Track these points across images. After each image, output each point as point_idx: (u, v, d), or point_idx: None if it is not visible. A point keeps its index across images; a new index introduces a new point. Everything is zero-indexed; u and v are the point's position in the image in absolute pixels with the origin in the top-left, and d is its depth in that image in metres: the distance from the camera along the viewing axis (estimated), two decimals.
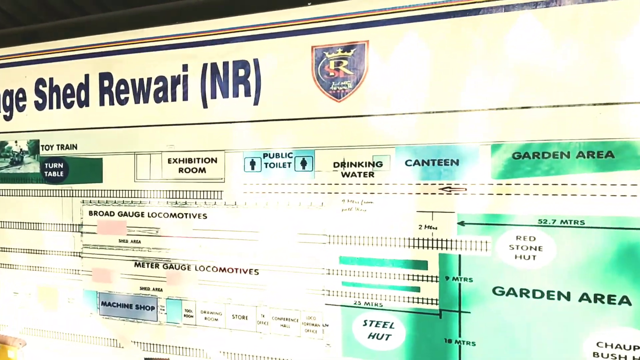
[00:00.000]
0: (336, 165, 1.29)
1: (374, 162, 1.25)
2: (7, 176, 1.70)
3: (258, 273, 1.38)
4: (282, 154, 1.34)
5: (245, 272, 1.39)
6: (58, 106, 1.62)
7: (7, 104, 1.69)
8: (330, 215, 1.29)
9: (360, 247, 1.27)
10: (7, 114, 1.69)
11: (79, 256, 1.60)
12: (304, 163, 1.32)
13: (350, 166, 1.27)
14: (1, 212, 1.71)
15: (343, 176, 1.28)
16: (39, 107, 1.64)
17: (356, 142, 1.27)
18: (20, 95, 1.67)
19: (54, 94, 1.62)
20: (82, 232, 1.59)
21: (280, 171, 1.34)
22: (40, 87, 1.64)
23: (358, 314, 1.28)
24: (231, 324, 1.41)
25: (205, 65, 1.42)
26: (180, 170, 1.45)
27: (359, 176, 1.27)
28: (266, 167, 1.36)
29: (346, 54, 1.27)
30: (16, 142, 1.68)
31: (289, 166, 1.33)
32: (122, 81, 1.52)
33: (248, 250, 1.38)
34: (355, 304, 1.29)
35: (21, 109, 1.67)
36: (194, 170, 1.44)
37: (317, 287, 1.32)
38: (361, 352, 1.28)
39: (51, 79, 1.62)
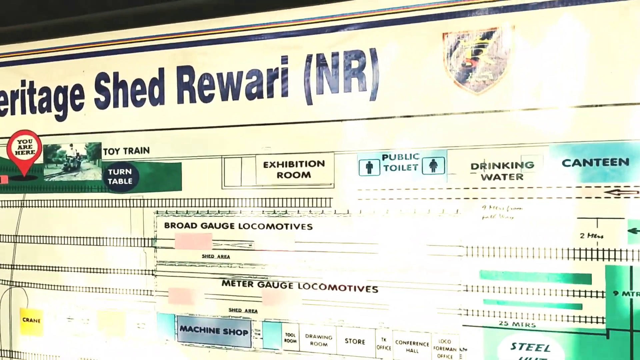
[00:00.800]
0: (475, 167, 1.13)
1: (522, 163, 1.10)
2: (59, 184, 1.50)
3: (377, 291, 1.21)
4: (406, 155, 1.18)
5: (361, 290, 1.22)
6: (125, 104, 1.43)
7: (60, 102, 1.49)
8: (468, 224, 1.14)
9: (505, 260, 1.12)
10: (60, 113, 1.49)
11: (152, 274, 1.40)
12: (433, 165, 1.16)
13: (493, 168, 1.12)
14: (52, 226, 1.51)
15: (484, 179, 1.13)
16: (101, 105, 1.45)
17: (500, 141, 1.12)
18: (77, 92, 1.47)
19: (120, 91, 1.43)
20: (155, 247, 1.40)
21: (403, 174, 1.18)
22: (102, 82, 1.45)
23: (505, 336, 1.13)
24: (344, 350, 1.24)
25: (309, 57, 1.26)
26: (279, 175, 1.28)
27: (504, 179, 1.12)
28: (386, 170, 1.20)
29: (486, 40, 1.13)
30: (71, 145, 1.49)
31: (415, 169, 1.17)
32: (206, 75, 1.34)
33: (364, 265, 1.22)
34: (500, 324, 1.13)
35: (78, 108, 1.47)
36: (296, 174, 1.27)
37: (452, 306, 1.16)
38: None
39: (116, 74, 1.43)
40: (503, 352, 1.13)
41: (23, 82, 1.53)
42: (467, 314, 1.15)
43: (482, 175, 1.13)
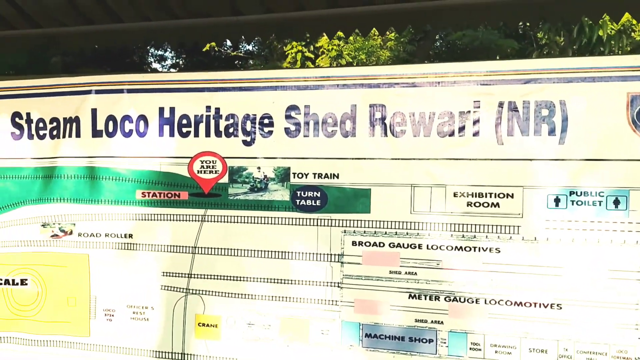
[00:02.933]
0: None
1: None
2: (245, 203, 1.66)
3: (561, 308, 1.41)
4: (591, 192, 1.39)
5: (545, 307, 1.42)
6: (315, 134, 1.60)
7: (248, 129, 1.66)
8: None
9: None
10: (248, 139, 1.66)
11: (338, 287, 1.58)
12: (616, 202, 1.37)
13: None
14: (235, 240, 1.66)
15: None
16: (290, 134, 1.62)
17: None
18: (266, 121, 1.64)
19: (311, 122, 1.60)
20: (342, 262, 1.58)
21: (589, 209, 1.39)
22: (293, 113, 1.62)
23: None
24: (527, 358, 1.43)
25: (501, 103, 1.46)
26: (469, 204, 1.48)
27: None
28: (572, 204, 1.40)
29: None
30: (259, 168, 1.65)
31: (600, 204, 1.39)
32: (399, 113, 1.53)
33: (550, 286, 1.42)
34: None
35: (266, 135, 1.64)
36: (485, 204, 1.47)
37: (629, 322, 1.37)
38: None
39: (307, 107, 1.61)
40: None
41: (208, 108, 1.69)
42: None
43: None
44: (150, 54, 11.83)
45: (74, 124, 1.75)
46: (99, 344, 1.76)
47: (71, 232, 1.77)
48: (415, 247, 1.51)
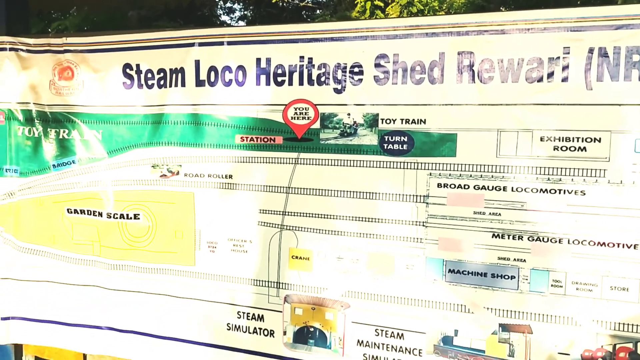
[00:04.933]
0: None
1: None
2: (335, 147, 1.78)
3: None
4: None
5: (629, 247, 1.47)
6: (403, 82, 1.68)
7: (339, 77, 1.76)
8: None
9: None
10: (338, 87, 1.76)
11: (423, 225, 1.68)
12: None
13: None
14: (327, 181, 1.80)
15: None
16: (379, 82, 1.71)
17: None
18: (356, 70, 1.73)
19: (399, 70, 1.68)
20: (427, 203, 1.68)
21: None
22: (383, 62, 1.70)
23: None
24: (608, 295, 1.50)
25: (591, 49, 1.48)
26: (555, 148, 1.53)
27: None
28: None
29: None
30: (349, 114, 1.76)
31: None
32: (487, 60, 1.58)
33: (634, 227, 1.46)
34: None
35: (356, 83, 1.73)
36: (572, 148, 1.51)
37: None
38: None
39: (396, 55, 1.68)
40: None
41: (301, 58, 1.80)
42: None
43: None
44: (219, 7, 12.03)
45: (179, 75, 1.91)
46: (203, 272, 1.97)
47: (178, 173, 1.97)
48: (500, 189, 1.59)
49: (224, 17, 12.55)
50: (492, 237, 1.61)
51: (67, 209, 2.11)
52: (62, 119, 2.09)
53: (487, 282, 1.62)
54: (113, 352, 2.10)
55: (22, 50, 2.11)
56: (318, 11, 10.14)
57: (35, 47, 2.11)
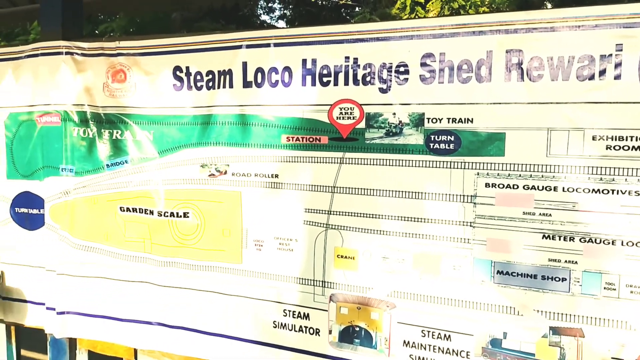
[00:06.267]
0: None
1: None
2: (380, 146, 1.78)
3: None
4: None
5: None
6: (450, 81, 1.67)
7: (384, 77, 1.76)
8: None
9: None
10: (384, 86, 1.76)
11: (470, 226, 1.67)
12: None
13: None
14: (372, 180, 1.80)
15: None
16: (425, 81, 1.70)
17: None
18: (402, 69, 1.73)
19: (446, 69, 1.67)
20: (474, 203, 1.66)
21: None
22: (429, 61, 1.69)
23: None
24: None
25: None
26: (608, 147, 1.49)
27: None
28: None
29: None
30: (394, 114, 1.76)
31: None
32: (536, 58, 1.55)
33: None
34: None
35: (401, 83, 1.73)
36: (626, 147, 1.47)
37: None
38: None
39: (442, 54, 1.67)
40: None
41: (347, 58, 1.81)
42: None
43: None
44: (259, 6, 12.17)
45: (227, 76, 1.95)
46: (250, 270, 2.01)
47: (226, 172, 2.01)
48: (550, 189, 1.56)
49: (264, 17, 12.70)
50: (543, 238, 1.58)
51: (120, 207, 2.19)
52: (115, 120, 2.17)
53: (537, 284, 1.59)
54: (163, 347, 2.17)
55: (77, 54, 2.21)
56: (357, 9, 10.12)
57: (89, 51, 2.19)
